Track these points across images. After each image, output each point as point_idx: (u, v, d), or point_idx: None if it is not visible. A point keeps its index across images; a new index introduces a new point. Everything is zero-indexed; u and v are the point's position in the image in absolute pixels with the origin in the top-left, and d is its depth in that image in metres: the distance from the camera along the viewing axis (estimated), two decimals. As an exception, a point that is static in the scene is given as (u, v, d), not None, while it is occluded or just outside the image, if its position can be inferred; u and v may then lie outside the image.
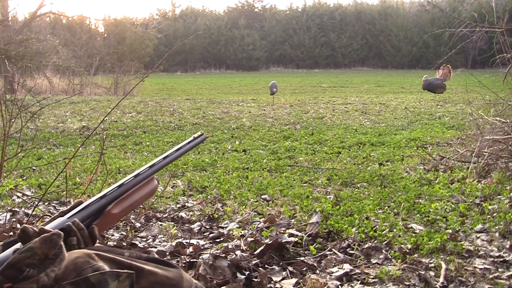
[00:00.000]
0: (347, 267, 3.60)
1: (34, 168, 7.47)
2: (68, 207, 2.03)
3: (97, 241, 1.94)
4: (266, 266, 3.64)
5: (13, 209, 5.16)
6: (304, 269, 3.61)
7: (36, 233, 1.68)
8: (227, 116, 14.87)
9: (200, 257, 3.71)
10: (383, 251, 3.86)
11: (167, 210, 5.21)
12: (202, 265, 3.46)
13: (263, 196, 5.66)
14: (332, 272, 3.52)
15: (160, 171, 2.22)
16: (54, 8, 55.15)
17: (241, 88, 31.06)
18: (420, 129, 11.49)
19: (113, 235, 4.30)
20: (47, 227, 1.78)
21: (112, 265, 1.69)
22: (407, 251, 3.83)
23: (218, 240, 4.24)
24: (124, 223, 4.60)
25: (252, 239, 3.98)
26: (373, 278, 3.44)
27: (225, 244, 4.00)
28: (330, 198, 5.52)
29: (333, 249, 3.93)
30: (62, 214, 1.97)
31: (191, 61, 56.97)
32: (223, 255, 3.65)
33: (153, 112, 16.00)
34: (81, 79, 24.51)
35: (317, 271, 3.56)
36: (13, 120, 4.38)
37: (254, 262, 3.64)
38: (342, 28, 59.38)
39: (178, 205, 5.41)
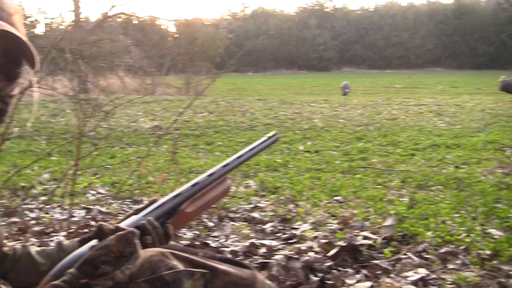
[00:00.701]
0: (422, 271, 3.49)
1: (107, 166, 7.57)
2: (143, 205, 2.03)
3: (171, 239, 1.94)
4: (340, 268, 3.57)
5: (88, 206, 5.23)
6: (378, 272, 3.53)
7: (112, 230, 1.69)
8: (299, 117, 14.83)
9: (273, 257, 3.66)
10: (460, 256, 3.74)
11: (240, 210, 5.19)
12: (275, 266, 3.42)
13: (336, 198, 5.60)
14: (407, 276, 3.43)
15: (232, 171, 2.19)
16: (125, 9, 55.91)
17: (313, 89, 31.02)
18: (498, 132, 11.21)
19: (185, 234, 4.31)
20: (122, 225, 1.79)
21: (187, 264, 1.68)
22: (486, 257, 3.69)
23: (290, 241, 4.19)
24: (197, 222, 4.60)
25: (325, 240, 3.93)
26: (450, 284, 3.33)
27: (298, 245, 3.95)
28: (404, 200, 5.41)
29: (408, 253, 3.83)
30: (137, 212, 1.97)
31: (262, 61, 57.14)
32: (296, 256, 3.61)
33: (224, 112, 16.08)
34: (153, 79, 24.79)
35: (392, 275, 3.47)
36: (87, 120, 4.43)
37: (327, 264, 3.57)
38: (415, 27, 58.74)
39: (251, 205, 5.39)
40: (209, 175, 2.10)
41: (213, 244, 4.11)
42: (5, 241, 2.02)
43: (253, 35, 55.02)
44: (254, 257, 3.74)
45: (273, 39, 56.61)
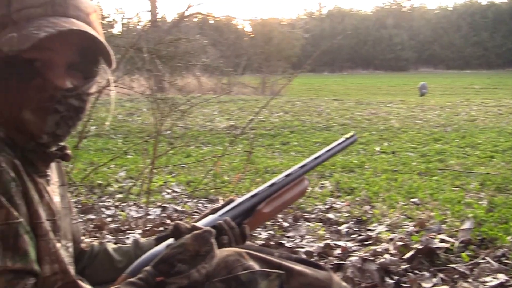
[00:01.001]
0: (502, 277, 3.38)
1: (183, 165, 7.64)
2: (220, 204, 2.02)
3: (247, 240, 1.92)
4: (416, 271, 3.49)
5: (163, 205, 5.27)
6: (456, 276, 3.43)
7: (188, 229, 1.69)
8: (375, 117, 14.72)
9: (348, 259, 3.61)
10: (543, 262, 3.63)
11: (315, 211, 5.16)
12: (350, 268, 3.38)
13: (412, 200, 5.51)
14: (486, 282, 3.33)
15: (309, 171, 2.16)
16: (202, 9, 56.43)
17: (389, 89, 30.73)
18: None
19: (260, 234, 4.30)
20: (199, 224, 1.78)
21: (262, 265, 1.66)
22: None
23: (366, 242, 4.14)
24: (272, 222, 4.58)
25: (402, 243, 3.86)
26: (530, 291, 3.23)
27: (374, 247, 3.89)
28: (483, 204, 5.27)
29: (486, 258, 3.71)
30: (214, 211, 1.96)
31: (338, 61, 56.96)
32: (372, 258, 3.55)
33: (300, 112, 16.07)
34: (229, 79, 24.96)
35: (470, 280, 3.38)
36: (164, 119, 4.46)
37: (403, 267, 3.50)
38: (495, 26, 57.57)
39: (326, 206, 5.35)
40: (286, 176, 2.07)
41: (287, 245, 4.09)
42: (82, 237, 2.04)
43: (329, 34, 54.88)
44: (329, 258, 3.70)
45: (350, 38, 56.35)
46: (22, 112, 1.54)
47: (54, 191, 1.72)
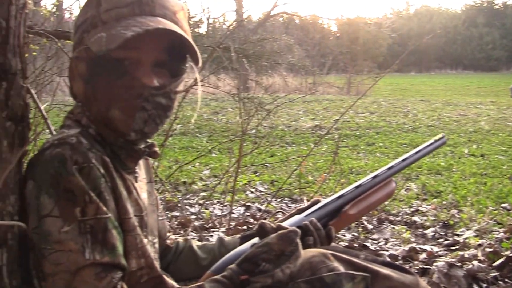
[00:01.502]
0: None
1: (267, 165, 7.65)
2: (305, 205, 2.01)
3: (333, 241, 1.91)
4: (506, 280, 3.39)
5: (247, 203, 5.29)
6: (550, 287, 3.34)
7: (274, 229, 1.68)
8: (463, 119, 14.44)
9: (434, 264, 3.55)
10: None
11: (400, 214, 5.10)
12: (436, 273, 3.31)
13: (503, 205, 5.38)
14: None
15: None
16: (287, 8, 56.45)
17: (479, 90, 30.08)
18: None
19: (344, 236, 4.27)
20: (284, 224, 1.77)
21: (347, 267, 1.64)
22: None
23: (453, 247, 4.05)
24: (356, 224, 4.54)
25: (491, 249, 3.75)
26: None
27: (461, 253, 3.80)
28: None
29: None
30: (299, 211, 1.95)
31: (426, 61, 56.11)
32: (459, 264, 3.47)
33: (386, 113, 15.90)
34: (314, 78, 24.89)
35: None
36: (249, 118, 4.46)
37: (492, 274, 3.39)
38: None
39: (412, 209, 5.28)
40: (373, 177, 2.04)
41: (372, 247, 4.05)
42: (168, 234, 2.06)
43: (416, 34, 54.07)
44: (414, 262, 3.64)
45: (438, 38, 55.40)
46: (110, 110, 1.57)
47: (141, 188, 1.75)
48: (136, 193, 1.68)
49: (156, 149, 1.75)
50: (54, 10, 4.36)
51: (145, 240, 1.67)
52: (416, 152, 2.18)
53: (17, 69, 1.47)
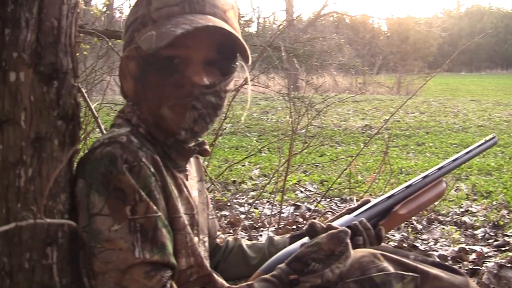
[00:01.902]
0: None
1: (316, 164, 7.63)
2: (355, 205, 1.99)
3: (382, 242, 1.89)
4: (558, 281, 3.35)
5: (296, 203, 5.28)
6: None
7: (324, 229, 1.68)
8: (515, 119, 14.24)
9: (484, 265, 3.50)
10: None
11: (450, 214, 5.04)
12: (486, 274, 3.27)
13: (554, 206, 5.28)
14: None
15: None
16: (337, 8, 56.29)
17: (530, 90, 29.60)
18: None
19: (393, 236, 4.24)
20: (334, 224, 1.76)
21: (397, 267, 1.63)
22: None
23: (503, 248, 4.00)
24: (406, 224, 4.51)
25: (543, 251, 3.71)
26: None
27: (511, 254, 3.76)
28: None
29: None
30: (349, 211, 1.94)
31: (476, 60, 55.46)
32: (509, 265, 3.42)
33: (436, 113, 15.75)
34: (364, 78, 24.77)
35: None
36: (300, 117, 4.46)
37: (546, 277, 3.36)
38: None
39: (461, 209, 5.22)
40: (424, 177, 2.02)
41: (421, 247, 4.01)
42: (218, 233, 2.07)
43: (467, 33, 53.46)
44: (464, 263, 3.60)
45: (489, 37, 54.68)
46: (161, 109, 1.58)
47: (192, 186, 1.76)
48: (187, 192, 1.68)
49: (207, 147, 1.75)
50: (104, 9, 4.40)
51: (195, 239, 1.67)
52: (467, 152, 2.15)
53: (68, 68, 1.48)
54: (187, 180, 1.71)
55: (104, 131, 1.88)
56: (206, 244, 1.82)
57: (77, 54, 1.57)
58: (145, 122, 1.62)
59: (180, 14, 1.56)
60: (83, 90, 1.94)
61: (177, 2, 1.57)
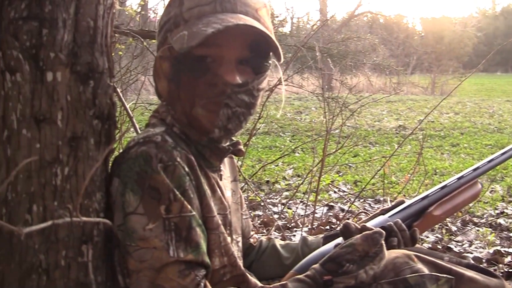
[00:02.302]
0: None
1: (350, 165, 7.60)
2: (389, 205, 1.98)
3: (417, 243, 1.88)
4: None
5: (330, 203, 5.27)
6: None
7: (358, 229, 1.68)
8: (551, 119, 14.08)
9: (522, 268, 3.48)
10: None
11: (485, 216, 5.00)
12: (524, 277, 3.24)
13: None
14: None
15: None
16: (371, 8, 56.00)
17: None
18: None
19: (427, 237, 4.21)
20: (368, 225, 1.75)
21: (431, 268, 1.62)
22: None
23: (542, 251, 3.96)
24: (440, 225, 4.47)
25: None
26: None
27: (548, 257, 3.72)
28: None
29: None
30: (383, 212, 1.93)
31: (513, 61, 54.81)
32: (546, 268, 3.39)
33: (471, 113, 15.62)
34: (398, 78, 24.64)
35: None
36: (335, 118, 4.45)
37: None
38: None
39: (497, 211, 5.17)
40: (459, 178, 2.01)
41: (455, 249, 3.99)
42: (252, 233, 2.07)
43: (503, 33, 52.88)
44: (499, 265, 3.56)
45: (525, 37, 54.10)
46: (194, 108, 1.59)
47: (226, 186, 1.76)
48: (220, 192, 1.69)
49: (241, 147, 1.76)
50: (139, 9, 4.42)
51: (229, 239, 1.68)
52: (503, 153, 2.13)
53: (104, 68, 1.49)
54: (220, 180, 1.72)
55: (139, 131, 1.90)
56: (240, 244, 1.82)
57: (113, 54, 1.58)
58: (179, 122, 1.63)
59: (211, 13, 1.56)
60: (118, 90, 1.95)
61: (209, 1, 1.57)
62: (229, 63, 1.60)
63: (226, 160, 1.82)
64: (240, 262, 1.73)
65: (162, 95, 1.69)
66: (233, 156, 1.89)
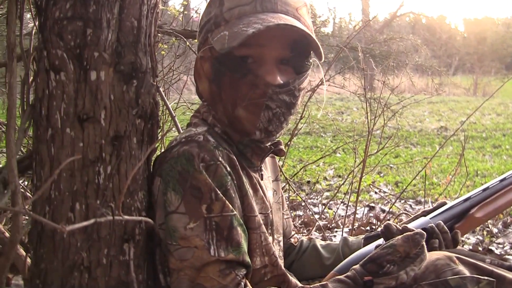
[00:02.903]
0: None
1: (391, 165, 7.56)
2: (431, 207, 1.97)
3: (459, 245, 1.86)
4: None
5: (370, 204, 5.24)
6: None
7: (399, 230, 1.66)
8: None
9: None
10: None
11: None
12: None
13: None
14: None
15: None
16: (414, 8, 55.64)
17: None
18: None
19: (468, 239, 4.17)
20: (409, 226, 1.74)
21: (473, 271, 1.60)
22: None
23: None
24: (481, 227, 4.43)
25: None
26: None
27: None
28: None
29: None
30: (425, 213, 1.92)
31: (557, 61, 54.05)
32: None
33: (514, 115, 15.44)
34: (440, 79, 24.46)
35: None
36: (377, 118, 4.43)
37: None
38: None
39: (540, 213, 5.10)
40: (501, 180, 1.98)
41: (497, 251, 3.94)
42: (292, 232, 2.07)
43: (547, 34, 52.18)
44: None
45: None
46: (236, 109, 1.59)
47: (267, 186, 1.76)
48: (262, 191, 1.69)
49: (282, 147, 1.75)
50: (182, 9, 4.44)
51: (270, 238, 1.68)
52: None
53: (147, 68, 1.50)
54: (262, 179, 1.72)
55: (181, 130, 1.90)
56: (281, 243, 1.82)
57: (156, 54, 1.59)
58: (221, 122, 1.63)
59: (252, 13, 1.56)
60: (161, 89, 1.96)
61: (249, 1, 1.57)
62: (270, 63, 1.60)
63: (267, 159, 1.82)
64: (281, 262, 1.73)
65: (203, 95, 1.69)
66: (275, 156, 1.89)
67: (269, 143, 1.70)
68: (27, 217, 1.86)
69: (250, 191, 1.60)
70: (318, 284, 1.56)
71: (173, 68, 4.46)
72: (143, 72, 1.48)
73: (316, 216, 4.59)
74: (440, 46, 30.86)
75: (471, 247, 3.94)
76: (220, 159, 1.49)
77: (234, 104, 1.59)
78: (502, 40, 33.70)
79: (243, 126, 1.60)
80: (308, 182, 6.41)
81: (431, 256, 1.62)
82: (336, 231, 4.26)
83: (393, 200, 5.20)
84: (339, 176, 6.88)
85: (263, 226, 1.62)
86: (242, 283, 1.47)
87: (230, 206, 1.48)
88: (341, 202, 5.26)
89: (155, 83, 1.55)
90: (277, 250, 1.74)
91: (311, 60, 1.69)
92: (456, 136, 10.38)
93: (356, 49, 4.73)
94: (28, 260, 1.74)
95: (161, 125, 3.90)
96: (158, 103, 1.57)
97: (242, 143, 1.64)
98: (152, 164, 1.61)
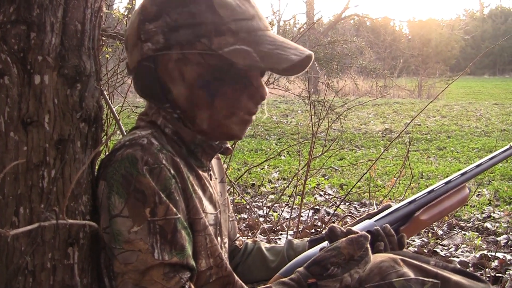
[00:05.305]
0: None
1: (336, 168, 7.61)
2: (377, 209, 1.99)
3: (404, 248, 1.89)
4: None
5: (315, 207, 5.28)
6: None
7: (344, 233, 1.68)
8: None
9: (507, 272, 3.49)
10: None
11: (471, 220, 5.02)
12: (509, 282, 3.26)
13: None
14: None
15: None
16: (358, 11, 56.10)
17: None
18: None
19: (414, 241, 4.22)
20: (354, 228, 1.76)
21: (417, 273, 1.63)
22: None
23: (526, 255, 3.98)
24: (426, 229, 4.49)
25: None
26: None
27: (535, 261, 3.73)
28: None
29: None
30: (370, 216, 1.94)
31: (500, 63, 55.03)
32: (533, 272, 3.41)
33: (458, 117, 15.67)
34: (385, 81, 24.72)
35: None
36: (321, 121, 4.46)
37: None
38: None
39: (484, 215, 5.19)
40: (446, 183, 2.01)
41: (441, 253, 4.00)
42: (237, 235, 2.08)
43: (490, 36, 53.16)
44: (486, 270, 3.58)
45: (513, 40, 54.34)
46: (231, 118, 1.62)
47: (215, 187, 1.77)
48: (211, 191, 1.70)
49: (228, 145, 1.76)
50: (126, 13, 4.42)
51: (218, 239, 1.69)
52: (491, 158, 2.14)
53: (91, 71, 1.50)
54: (210, 179, 1.73)
55: (125, 133, 1.89)
56: (226, 245, 1.83)
57: (100, 57, 1.58)
58: (172, 123, 1.63)
59: (260, 30, 1.58)
60: (105, 93, 1.95)
61: (251, 15, 1.58)
62: (259, 75, 1.64)
63: (213, 161, 1.83)
64: (227, 263, 1.73)
65: (178, 99, 1.62)
66: (220, 158, 1.91)
67: (217, 142, 1.70)
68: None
69: (198, 192, 1.61)
70: (262, 286, 1.57)
71: (118, 71, 4.44)
72: (87, 76, 1.47)
73: (261, 219, 4.61)
74: (385, 48, 31.23)
75: (416, 249, 3.99)
76: (164, 162, 1.49)
77: (232, 113, 1.60)
78: (446, 42, 34.22)
79: (231, 133, 1.64)
80: (253, 185, 6.43)
81: (375, 258, 1.64)
82: (281, 234, 4.27)
83: (338, 203, 5.24)
84: (284, 179, 6.91)
85: (208, 228, 1.62)
86: (186, 286, 1.47)
87: (174, 209, 1.48)
88: (286, 204, 5.29)
89: (99, 87, 1.54)
90: (223, 252, 1.74)
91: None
92: (401, 138, 10.52)
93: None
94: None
95: (106, 128, 3.88)
96: (102, 107, 1.57)
97: (194, 143, 1.64)
98: (96, 167, 1.60)
